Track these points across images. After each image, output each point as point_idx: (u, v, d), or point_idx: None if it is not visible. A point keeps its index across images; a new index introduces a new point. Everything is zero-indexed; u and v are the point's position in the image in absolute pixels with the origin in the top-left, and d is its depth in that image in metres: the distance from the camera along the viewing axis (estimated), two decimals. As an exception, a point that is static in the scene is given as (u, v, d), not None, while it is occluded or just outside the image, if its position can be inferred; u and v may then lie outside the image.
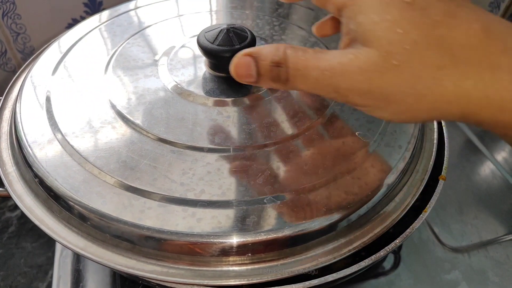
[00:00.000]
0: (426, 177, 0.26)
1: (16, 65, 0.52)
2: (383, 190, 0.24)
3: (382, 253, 0.22)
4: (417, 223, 0.24)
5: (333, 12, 0.20)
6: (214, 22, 0.36)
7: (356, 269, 0.21)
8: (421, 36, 0.17)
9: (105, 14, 0.36)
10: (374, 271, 0.34)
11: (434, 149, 0.28)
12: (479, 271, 0.35)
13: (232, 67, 0.21)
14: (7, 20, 0.48)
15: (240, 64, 0.21)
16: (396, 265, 0.34)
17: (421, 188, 0.26)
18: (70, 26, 0.51)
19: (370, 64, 0.17)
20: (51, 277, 0.44)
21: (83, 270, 0.33)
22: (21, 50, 0.51)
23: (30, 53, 0.52)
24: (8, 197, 0.25)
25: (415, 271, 0.34)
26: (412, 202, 0.25)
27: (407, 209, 0.24)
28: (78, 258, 0.33)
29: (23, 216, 0.49)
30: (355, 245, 0.22)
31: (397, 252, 0.35)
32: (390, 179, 0.24)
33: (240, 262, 0.21)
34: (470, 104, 0.17)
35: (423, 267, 0.35)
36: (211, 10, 0.38)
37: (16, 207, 0.51)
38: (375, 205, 0.24)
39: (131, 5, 0.38)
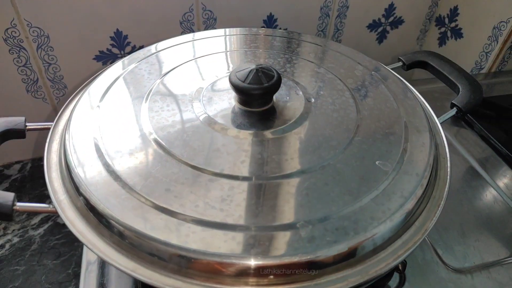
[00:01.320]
0: (443, 203, 0.28)
1: (46, 93, 0.56)
2: (404, 215, 0.26)
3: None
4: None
5: None
6: (236, 61, 0.40)
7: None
8: None
9: (139, 54, 0.39)
10: (379, 290, 0.36)
11: (449, 177, 0.30)
12: (482, 292, 0.36)
13: None
14: (40, 52, 0.52)
15: None
16: (401, 284, 0.36)
17: (439, 213, 0.28)
18: (97, 57, 0.55)
19: None
20: (71, 293, 0.46)
21: (107, 284, 0.35)
22: (51, 79, 0.55)
23: (59, 82, 0.55)
24: (54, 213, 0.27)
25: (420, 290, 0.36)
26: (431, 226, 0.27)
27: (427, 233, 0.26)
28: (102, 273, 0.35)
29: (45, 234, 0.52)
30: (381, 266, 0.24)
31: (402, 271, 0.36)
32: (410, 204, 0.27)
33: (277, 282, 0.23)
34: None
35: (427, 286, 0.36)
36: (231, 50, 0.41)
37: (38, 226, 0.53)
38: (398, 230, 0.26)
39: (159, 45, 0.41)
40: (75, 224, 0.26)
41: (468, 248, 0.40)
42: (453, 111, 0.39)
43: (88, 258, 0.37)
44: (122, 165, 0.28)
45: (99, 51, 0.55)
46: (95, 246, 0.25)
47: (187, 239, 0.24)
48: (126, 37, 0.55)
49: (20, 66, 0.52)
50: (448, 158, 0.32)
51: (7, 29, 0.48)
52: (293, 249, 0.23)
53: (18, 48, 0.50)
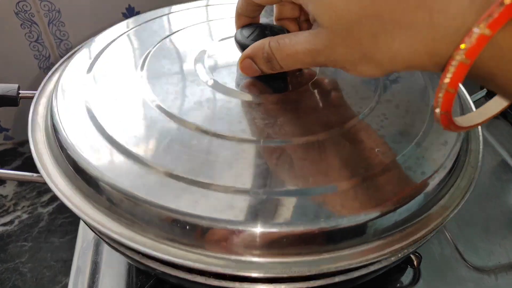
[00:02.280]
0: (475, 182, 0.25)
1: (58, 70, 0.55)
2: (425, 192, 0.23)
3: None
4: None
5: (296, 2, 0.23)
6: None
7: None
8: (353, 12, 0.20)
9: (140, 18, 0.37)
10: (391, 285, 0.32)
11: (481, 150, 0.26)
12: (506, 293, 0.32)
13: (241, 70, 0.27)
14: (52, 28, 0.51)
15: (244, 66, 0.26)
16: (415, 281, 0.32)
17: (468, 194, 0.24)
18: (109, 34, 0.54)
19: (328, 41, 0.21)
20: (75, 272, 0.45)
21: (100, 262, 0.33)
22: (63, 55, 0.54)
23: (71, 59, 0.54)
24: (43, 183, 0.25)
25: (435, 288, 0.32)
26: (460, 206, 0.23)
27: (451, 215, 0.23)
28: (97, 251, 0.34)
29: (53, 212, 0.51)
30: (403, 243, 0.21)
31: (416, 266, 0.32)
32: (435, 181, 0.23)
33: (284, 252, 0.21)
34: (406, 61, 0.19)
35: (444, 285, 0.32)
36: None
37: (48, 204, 0.52)
38: (420, 207, 0.22)
39: (166, 10, 0.38)
40: (49, 169, 0.24)
41: (493, 246, 0.35)
42: (483, 92, 0.35)
43: (84, 235, 0.35)
44: (106, 118, 0.26)
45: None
46: (67, 198, 0.23)
47: (179, 201, 0.21)
48: (138, 13, 0.53)
49: (32, 42, 0.51)
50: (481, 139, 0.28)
51: (18, 2, 0.48)
52: (306, 216, 0.20)
53: (29, 23, 0.50)
